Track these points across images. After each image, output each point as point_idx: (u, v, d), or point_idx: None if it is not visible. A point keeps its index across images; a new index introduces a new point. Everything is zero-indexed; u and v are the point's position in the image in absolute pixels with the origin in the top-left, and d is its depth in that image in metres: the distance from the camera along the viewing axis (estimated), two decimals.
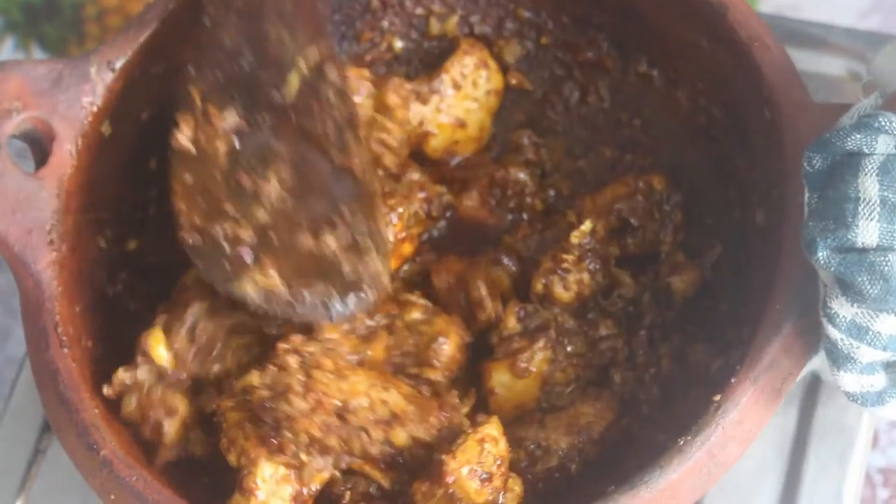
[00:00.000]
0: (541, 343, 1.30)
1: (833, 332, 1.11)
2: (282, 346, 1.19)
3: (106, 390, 1.25)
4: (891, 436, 1.70)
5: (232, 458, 1.19)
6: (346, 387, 1.18)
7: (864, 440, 1.38)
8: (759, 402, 1.15)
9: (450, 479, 1.14)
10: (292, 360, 1.18)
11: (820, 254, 1.09)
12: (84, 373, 1.23)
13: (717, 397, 1.14)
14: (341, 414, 1.17)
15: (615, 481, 1.13)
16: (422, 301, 1.33)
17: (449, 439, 1.19)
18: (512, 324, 1.32)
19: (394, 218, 1.34)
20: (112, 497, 1.16)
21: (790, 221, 1.19)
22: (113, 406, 1.25)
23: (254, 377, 1.18)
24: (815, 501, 1.35)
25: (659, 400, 1.30)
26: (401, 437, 1.19)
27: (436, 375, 1.29)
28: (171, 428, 1.25)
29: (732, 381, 1.14)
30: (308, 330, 1.25)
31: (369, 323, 1.30)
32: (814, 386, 1.40)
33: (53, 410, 1.21)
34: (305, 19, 1.30)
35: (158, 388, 1.26)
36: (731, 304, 1.31)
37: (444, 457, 1.15)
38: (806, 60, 1.54)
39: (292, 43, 1.28)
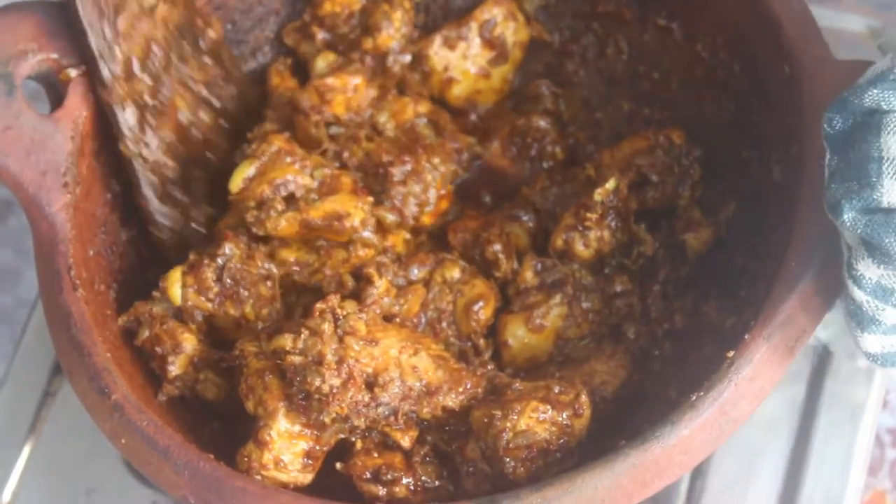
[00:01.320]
0: (557, 299, 1.29)
1: (859, 295, 1.11)
2: (319, 306, 1.18)
3: (121, 320, 1.26)
4: None
5: (249, 405, 1.19)
6: (377, 352, 1.17)
7: (875, 401, 1.38)
8: (773, 359, 1.14)
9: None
10: (327, 326, 1.16)
11: (846, 216, 1.08)
12: (96, 316, 1.22)
13: (731, 354, 1.14)
14: (371, 386, 1.17)
15: (627, 436, 1.13)
16: (461, 261, 1.33)
17: (476, 403, 1.20)
18: (529, 277, 1.31)
19: (436, 176, 1.34)
20: (123, 441, 1.16)
21: (808, 178, 1.18)
22: (125, 347, 1.26)
23: (286, 340, 1.17)
24: (825, 461, 1.35)
25: (672, 356, 1.30)
26: (427, 412, 1.20)
27: (478, 339, 1.31)
28: (176, 364, 1.25)
29: (746, 337, 1.14)
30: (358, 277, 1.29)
31: (413, 273, 1.32)
32: (827, 348, 1.40)
33: (65, 354, 1.20)
34: None
35: (170, 322, 1.26)
36: (747, 261, 1.30)
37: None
38: (826, 17, 1.53)
39: None
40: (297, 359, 1.16)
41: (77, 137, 1.26)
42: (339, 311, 1.17)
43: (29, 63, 1.25)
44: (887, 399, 1.62)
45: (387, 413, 1.17)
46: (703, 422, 1.12)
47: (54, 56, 1.26)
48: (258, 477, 1.17)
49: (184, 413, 1.26)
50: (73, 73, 1.26)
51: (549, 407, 1.17)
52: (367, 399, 1.16)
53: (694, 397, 1.12)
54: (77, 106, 1.27)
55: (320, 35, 1.47)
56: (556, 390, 1.19)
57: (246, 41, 1.47)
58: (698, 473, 1.37)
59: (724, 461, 1.36)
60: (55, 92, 1.28)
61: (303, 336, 1.16)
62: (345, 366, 1.14)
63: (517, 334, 1.30)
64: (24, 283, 1.87)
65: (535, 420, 1.17)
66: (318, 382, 1.14)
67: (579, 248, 1.31)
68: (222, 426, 1.27)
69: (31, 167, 1.23)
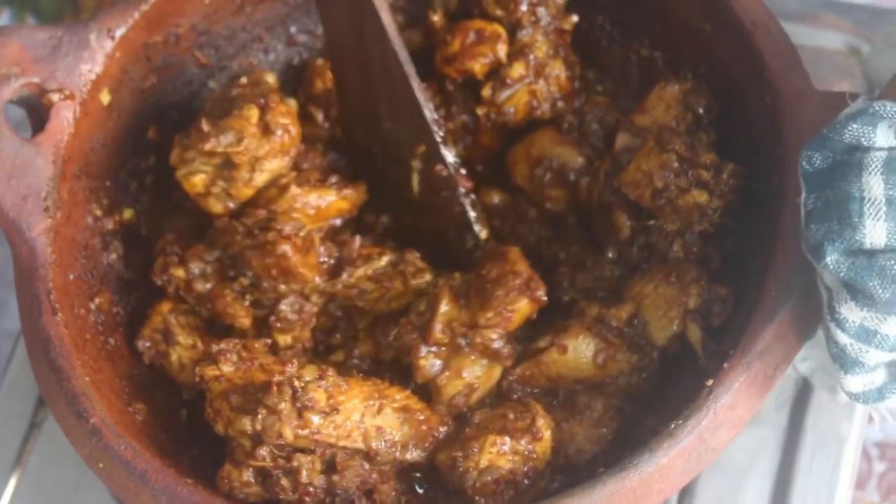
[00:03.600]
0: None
1: (842, 338, 1.10)
2: (276, 379, 1.15)
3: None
4: None
5: (219, 428, 1.18)
6: (339, 420, 1.16)
7: (861, 415, 1.37)
8: (752, 387, 1.14)
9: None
10: (285, 405, 1.13)
11: (829, 258, 1.07)
12: (76, 340, 1.22)
13: (710, 382, 1.14)
14: (333, 460, 1.17)
15: (605, 463, 1.13)
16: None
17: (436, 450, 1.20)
18: None
19: None
20: (100, 465, 1.16)
21: (788, 208, 1.18)
22: (105, 371, 1.25)
23: (245, 424, 1.15)
24: (812, 476, 1.35)
25: (650, 385, 1.29)
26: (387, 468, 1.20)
27: None
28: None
29: (725, 366, 1.14)
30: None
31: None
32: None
33: (44, 378, 1.20)
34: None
35: None
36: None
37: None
38: (805, 34, 1.53)
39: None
40: (263, 454, 1.15)
41: (59, 161, 1.26)
42: (297, 382, 1.14)
43: (11, 87, 1.25)
44: (873, 414, 1.62)
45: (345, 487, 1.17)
46: (681, 450, 1.12)
47: (37, 80, 1.26)
48: (241, 496, 1.17)
49: (163, 438, 1.25)
50: (55, 97, 1.27)
51: (506, 438, 1.17)
52: (322, 495, 1.16)
53: (672, 425, 1.12)
54: (59, 130, 1.27)
55: (320, 115, 1.46)
56: (512, 417, 1.19)
57: (229, 67, 1.47)
58: (686, 492, 1.36)
59: (712, 479, 1.36)
60: (37, 116, 1.28)
61: (260, 416, 1.14)
62: (306, 440, 1.15)
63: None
64: (9, 315, 1.87)
65: (496, 454, 1.16)
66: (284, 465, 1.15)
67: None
68: (202, 451, 1.27)
69: (12, 191, 1.24)
